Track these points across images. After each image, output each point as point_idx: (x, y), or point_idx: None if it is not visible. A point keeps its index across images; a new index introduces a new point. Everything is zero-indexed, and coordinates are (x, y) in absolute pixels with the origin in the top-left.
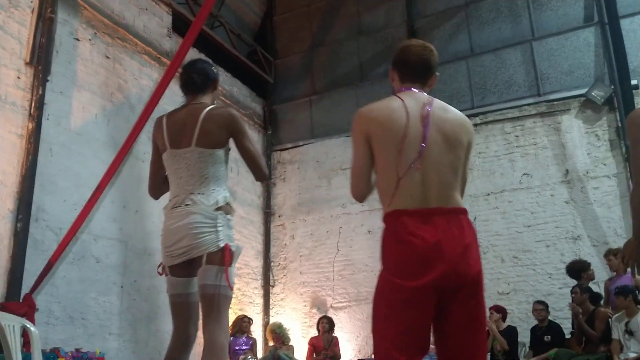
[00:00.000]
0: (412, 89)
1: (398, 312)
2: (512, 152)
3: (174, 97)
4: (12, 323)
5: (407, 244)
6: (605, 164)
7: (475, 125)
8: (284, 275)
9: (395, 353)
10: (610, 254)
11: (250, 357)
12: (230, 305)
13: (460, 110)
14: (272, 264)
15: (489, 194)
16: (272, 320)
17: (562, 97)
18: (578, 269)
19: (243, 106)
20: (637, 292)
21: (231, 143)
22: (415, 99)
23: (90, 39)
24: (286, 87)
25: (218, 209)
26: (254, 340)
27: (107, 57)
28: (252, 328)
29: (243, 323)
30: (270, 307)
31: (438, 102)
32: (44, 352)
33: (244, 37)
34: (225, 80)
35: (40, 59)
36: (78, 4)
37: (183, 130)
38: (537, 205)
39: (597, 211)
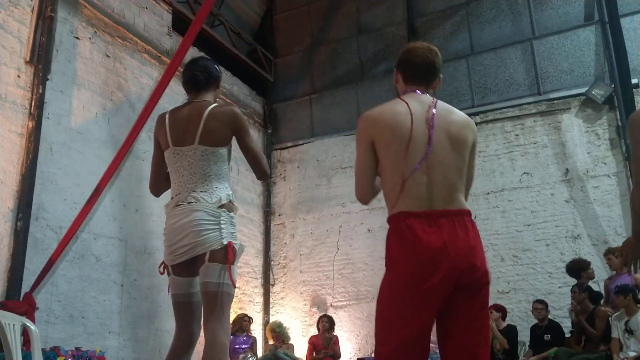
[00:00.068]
0: (417, 91)
1: (403, 317)
2: (512, 151)
3: (174, 96)
4: (12, 322)
5: (413, 248)
6: (605, 163)
7: (476, 124)
8: (284, 274)
9: (407, 353)
10: (610, 253)
11: (250, 356)
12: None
13: (460, 109)
14: (272, 262)
15: (489, 193)
16: (272, 319)
17: (562, 96)
18: (578, 268)
19: (243, 105)
20: (636, 291)
21: (232, 141)
22: (419, 101)
23: (90, 38)
24: (286, 86)
25: (221, 206)
26: (254, 339)
27: (107, 56)
28: (252, 327)
29: (243, 322)
30: (270, 306)
31: (442, 104)
32: (44, 350)
33: (244, 35)
34: (226, 79)
35: (41, 57)
36: (78, 3)
37: (186, 128)
38: (537, 204)
39: (597, 210)
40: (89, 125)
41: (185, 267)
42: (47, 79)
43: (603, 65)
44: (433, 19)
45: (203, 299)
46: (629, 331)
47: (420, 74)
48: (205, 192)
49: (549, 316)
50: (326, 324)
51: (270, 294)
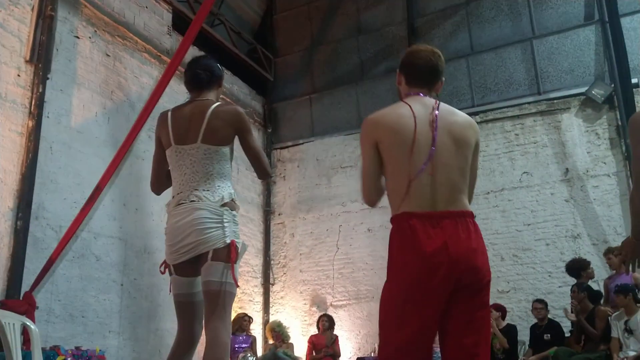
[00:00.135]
0: (420, 93)
1: (404, 317)
2: (512, 151)
3: (174, 95)
4: (12, 321)
5: (413, 250)
6: (605, 163)
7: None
8: (284, 274)
9: (410, 353)
10: (610, 253)
11: (249, 355)
12: None
13: (460, 109)
14: (272, 262)
15: (488, 193)
16: (271, 318)
17: (562, 96)
18: (577, 268)
19: (243, 104)
20: (636, 290)
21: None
22: (422, 103)
23: (90, 37)
24: (286, 85)
25: (224, 205)
26: (254, 338)
27: (108, 55)
28: (252, 326)
29: (244, 322)
30: (270, 305)
31: (445, 106)
32: (44, 350)
33: (244, 35)
34: (226, 79)
35: (41, 56)
36: (78, 2)
37: (189, 127)
38: (537, 203)
39: (596, 210)
40: (89, 125)
41: (187, 266)
42: (47, 78)
43: (603, 65)
44: (433, 18)
45: (205, 297)
46: (629, 331)
47: (423, 76)
48: (208, 190)
49: (549, 316)
50: (326, 323)
51: (270, 293)
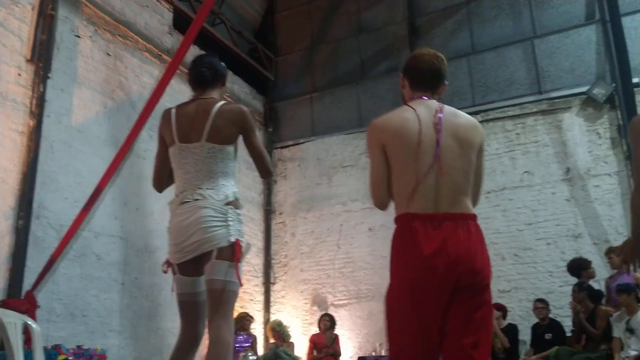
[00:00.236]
0: (424, 97)
1: (405, 318)
2: (513, 150)
3: (175, 95)
4: (13, 320)
5: (413, 251)
6: (606, 162)
7: None
8: (285, 273)
9: (412, 353)
10: (611, 252)
11: (250, 354)
12: None
13: (461, 108)
14: (272, 261)
15: (489, 192)
16: (272, 317)
17: (563, 95)
18: (578, 267)
19: (244, 103)
20: (638, 290)
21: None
22: (426, 106)
23: (91, 36)
24: (287, 85)
25: (228, 203)
26: (255, 338)
27: (108, 55)
28: (253, 325)
29: (246, 321)
30: (271, 305)
31: (448, 108)
32: (45, 349)
33: (244, 34)
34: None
35: (41, 56)
36: (79, 1)
37: (193, 125)
38: (538, 203)
39: (598, 209)
40: (90, 124)
41: (191, 265)
42: (48, 77)
43: (604, 65)
44: (434, 18)
45: (208, 296)
46: (630, 330)
47: (427, 80)
48: (212, 189)
49: (550, 315)
50: (327, 322)
51: (271, 292)
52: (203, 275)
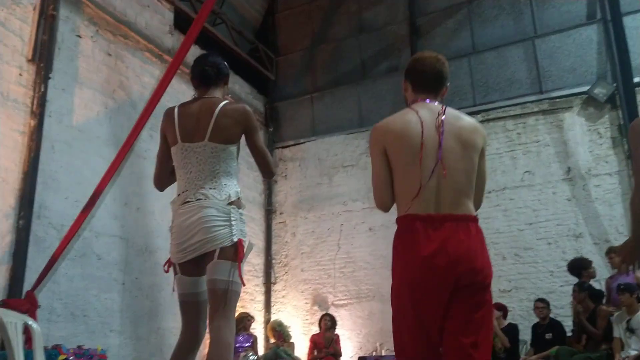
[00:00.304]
0: (427, 100)
1: (406, 317)
2: (514, 150)
3: (175, 95)
4: (14, 320)
5: (413, 251)
6: (607, 162)
7: None
8: (285, 273)
9: (413, 352)
10: (611, 252)
11: (251, 354)
12: None
13: (462, 108)
14: (273, 261)
15: (490, 192)
16: (273, 317)
17: (564, 95)
18: (579, 267)
19: (244, 103)
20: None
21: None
22: (429, 109)
23: (92, 36)
24: (288, 85)
25: (231, 203)
26: (255, 338)
27: (109, 55)
28: (253, 325)
29: (247, 321)
30: (272, 305)
31: (451, 111)
32: (45, 349)
33: (245, 34)
34: None
35: (42, 56)
36: (80, 1)
37: (196, 124)
38: (539, 202)
39: (598, 209)
40: (91, 124)
41: (192, 265)
42: (49, 77)
43: (605, 64)
44: (435, 17)
45: (210, 296)
46: (631, 330)
47: (429, 83)
48: (214, 189)
49: (551, 315)
50: (328, 322)
51: (272, 292)
52: (204, 275)
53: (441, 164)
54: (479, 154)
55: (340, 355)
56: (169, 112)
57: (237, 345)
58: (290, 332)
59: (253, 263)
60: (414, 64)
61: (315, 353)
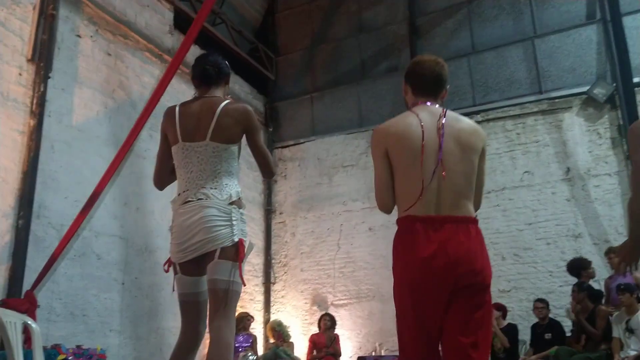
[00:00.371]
0: (427, 102)
1: (407, 316)
2: (513, 150)
3: (175, 95)
4: (13, 320)
5: (413, 252)
6: (606, 162)
7: (477, 122)
8: (285, 273)
9: (412, 352)
10: (611, 252)
11: (250, 354)
12: None
13: (462, 108)
14: (272, 261)
15: (489, 192)
16: (272, 317)
17: (563, 95)
18: (578, 267)
19: (244, 103)
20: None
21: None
22: (429, 112)
23: (92, 36)
24: (287, 84)
25: (232, 203)
26: (255, 338)
27: (109, 54)
28: (253, 325)
29: (247, 321)
30: (271, 304)
31: (451, 113)
32: (45, 348)
33: (245, 34)
34: None
35: (42, 55)
36: (80, 1)
37: (197, 124)
38: (538, 203)
39: (598, 209)
40: (91, 124)
41: (193, 265)
42: (49, 77)
43: (605, 64)
44: (434, 17)
45: (210, 295)
46: (630, 330)
47: (429, 86)
48: (215, 188)
49: (550, 315)
50: (328, 322)
51: (271, 292)
52: (205, 275)
53: (441, 166)
54: (479, 156)
55: (339, 355)
56: (170, 111)
57: (236, 345)
58: (289, 332)
59: (252, 263)
60: (414, 68)
61: (315, 353)
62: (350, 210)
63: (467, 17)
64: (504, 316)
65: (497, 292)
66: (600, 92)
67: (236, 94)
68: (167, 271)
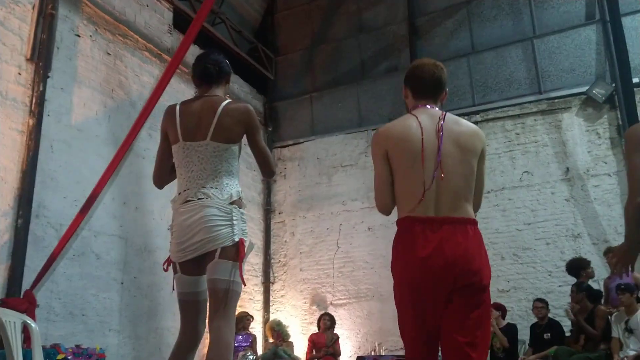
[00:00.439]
0: (427, 105)
1: (407, 316)
2: (512, 150)
3: (174, 94)
4: (12, 319)
5: (412, 252)
6: (605, 162)
7: (476, 122)
8: (284, 272)
9: (412, 351)
10: (609, 252)
11: (250, 353)
12: None
13: (461, 108)
14: (272, 260)
15: (489, 192)
16: (272, 317)
17: (563, 95)
18: (577, 267)
19: (245, 102)
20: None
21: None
22: (429, 114)
23: (91, 36)
24: (287, 84)
25: (232, 202)
26: (254, 337)
27: (108, 54)
28: (252, 325)
29: (247, 320)
30: (271, 304)
31: (450, 116)
32: (44, 348)
33: (244, 34)
34: None
35: (41, 55)
36: (79, 1)
37: (198, 123)
38: (538, 203)
39: (597, 209)
40: (90, 123)
41: (193, 264)
42: (48, 77)
43: (604, 65)
44: (434, 17)
45: (211, 295)
46: (629, 330)
47: (429, 89)
48: (216, 188)
49: (549, 315)
50: (327, 322)
51: (270, 292)
52: (204, 274)
53: (439, 168)
54: (478, 158)
55: (339, 355)
56: (171, 110)
57: (236, 344)
58: (288, 332)
59: (252, 262)
60: (414, 71)
61: (314, 353)
62: (350, 210)
63: (466, 17)
64: (503, 316)
65: (497, 291)
66: (599, 92)
67: (236, 94)
68: (166, 270)
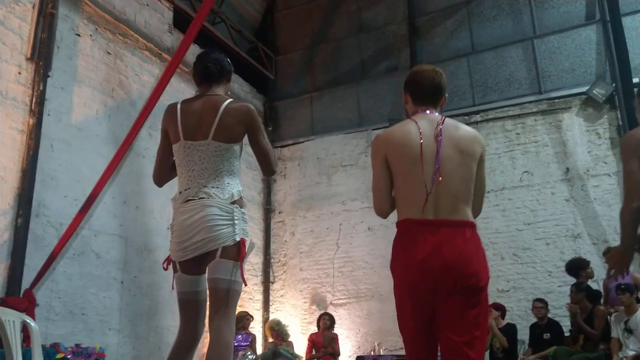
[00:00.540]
0: (427, 111)
1: (406, 316)
2: (512, 150)
3: (175, 93)
4: (12, 318)
5: (412, 254)
6: (605, 162)
7: (476, 122)
8: (284, 272)
9: (412, 350)
10: (609, 253)
11: (249, 353)
12: None
13: (461, 108)
14: (272, 260)
15: (489, 192)
16: (271, 316)
17: (563, 95)
18: (577, 267)
19: (246, 102)
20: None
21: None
22: (428, 119)
23: (91, 35)
24: (287, 84)
25: (233, 202)
26: (254, 337)
27: (108, 53)
28: (252, 324)
29: (246, 320)
30: (270, 304)
31: (450, 121)
32: (44, 347)
33: (244, 33)
34: None
35: (41, 54)
36: (79, 0)
37: (200, 122)
38: (538, 203)
39: (597, 209)
40: (90, 122)
41: (193, 264)
42: (48, 76)
43: (604, 65)
44: (434, 17)
45: (211, 295)
46: (629, 330)
47: (428, 95)
48: (217, 187)
49: (549, 315)
50: (327, 321)
51: (270, 291)
52: (205, 274)
53: (438, 172)
54: (478, 162)
55: (338, 355)
56: (172, 109)
57: (235, 344)
58: (288, 331)
59: (252, 262)
60: (413, 77)
61: (314, 352)
62: (350, 210)
63: (466, 17)
64: (502, 316)
65: (496, 291)
66: (599, 92)
67: (236, 93)
68: (166, 269)
